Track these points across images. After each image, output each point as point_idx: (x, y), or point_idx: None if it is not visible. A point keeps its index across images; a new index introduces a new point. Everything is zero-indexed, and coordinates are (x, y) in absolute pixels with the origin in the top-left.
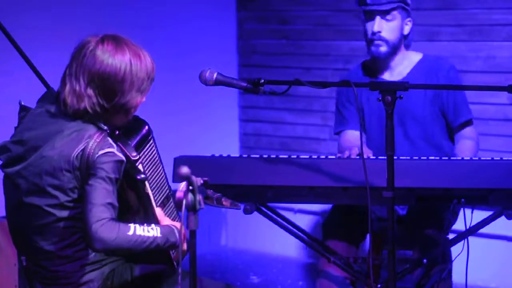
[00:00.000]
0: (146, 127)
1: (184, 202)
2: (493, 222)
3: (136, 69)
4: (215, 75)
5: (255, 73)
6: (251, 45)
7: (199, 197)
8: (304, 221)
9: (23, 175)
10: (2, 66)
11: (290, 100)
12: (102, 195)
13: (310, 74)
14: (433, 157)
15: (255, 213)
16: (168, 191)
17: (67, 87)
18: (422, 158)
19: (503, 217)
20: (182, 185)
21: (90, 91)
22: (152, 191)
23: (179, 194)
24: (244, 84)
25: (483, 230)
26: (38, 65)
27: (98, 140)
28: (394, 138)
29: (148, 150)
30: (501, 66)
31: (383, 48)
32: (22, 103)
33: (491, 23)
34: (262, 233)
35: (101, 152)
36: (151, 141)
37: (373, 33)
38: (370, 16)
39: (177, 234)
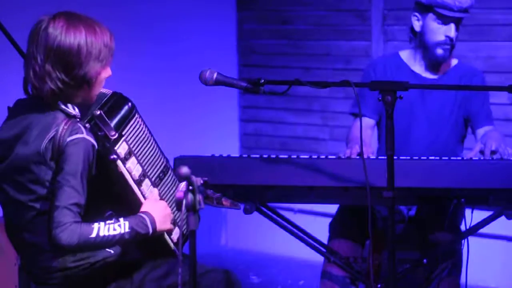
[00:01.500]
0: (129, 104)
1: (184, 202)
2: (493, 222)
3: (91, 40)
4: (215, 75)
5: (255, 73)
6: (251, 45)
7: (199, 197)
8: (304, 221)
9: (4, 175)
10: (2, 66)
11: (290, 100)
12: (67, 195)
13: (310, 74)
14: (433, 157)
15: (255, 213)
16: (163, 164)
17: (30, 71)
18: (422, 158)
19: (503, 217)
20: (182, 185)
21: (48, 67)
22: (143, 166)
23: (179, 194)
24: (244, 84)
25: (483, 230)
26: None
27: (66, 127)
28: (394, 138)
29: (133, 126)
30: (501, 66)
31: (448, 53)
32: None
33: (491, 23)
34: (262, 233)
35: (69, 138)
36: (135, 117)
37: (450, 39)
38: (445, 20)
39: (148, 224)
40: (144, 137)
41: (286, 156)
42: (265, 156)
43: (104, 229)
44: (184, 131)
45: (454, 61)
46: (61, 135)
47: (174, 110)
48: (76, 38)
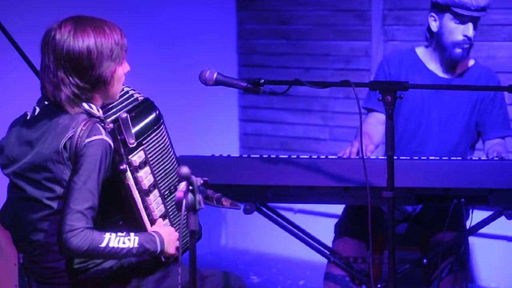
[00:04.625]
0: (155, 113)
1: (184, 202)
2: (493, 222)
3: (101, 41)
4: (215, 75)
5: (255, 73)
6: (251, 45)
7: (199, 197)
8: (304, 221)
9: (20, 173)
10: (2, 66)
11: (290, 100)
12: (82, 198)
13: (310, 74)
14: (433, 157)
15: (255, 213)
16: (177, 178)
17: (45, 81)
18: (422, 158)
19: (503, 217)
20: (182, 185)
21: (61, 74)
22: (156, 177)
23: (179, 194)
24: (244, 84)
25: (483, 230)
26: (38, 65)
27: (84, 128)
28: (394, 138)
29: (156, 136)
30: (501, 66)
31: (466, 53)
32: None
33: (491, 23)
34: (262, 233)
35: (88, 140)
36: (161, 127)
37: (468, 38)
38: (462, 19)
39: (157, 242)
40: (164, 149)
41: (286, 156)
42: (265, 156)
43: (114, 240)
44: (184, 131)
45: (471, 62)
46: (79, 136)
47: (174, 110)
48: (84, 41)
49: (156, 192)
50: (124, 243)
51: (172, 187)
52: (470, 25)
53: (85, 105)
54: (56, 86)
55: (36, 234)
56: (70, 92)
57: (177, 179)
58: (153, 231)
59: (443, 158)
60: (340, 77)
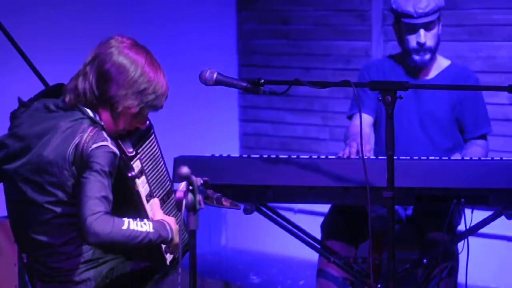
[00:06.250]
0: (147, 123)
1: (184, 202)
2: (493, 222)
3: (141, 72)
4: (215, 75)
5: (255, 73)
6: (251, 45)
7: (199, 197)
8: (304, 221)
9: (21, 173)
10: (2, 66)
11: (290, 100)
12: (96, 187)
13: (310, 74)
14: (433, 157)
15: (255, 213)
16: (169, 187)
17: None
18: (422, 158)
19: (503, 217)
20: (182, 185)
21: (88, 68)
22: (151, 186)
23: (179, 194)
24: (244, 84)
25: (483, 230)
26: (38, 65)
27: (91, 134)
28: (394, 138)
29: (148, 146)
30: (501, 66)
31: (428, 57)
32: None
33: (491, 23)
34: (262, 233)
35: (94, 145)
36: (152, 137)
37: (420, 45)
38: (413, 28)
39: (168, 229)
40: (156, 158)
41: (286, 156)
42: (265, 156)
43: (133, 223)
44: (184, 131)
45: (446, 62)
46: (85, 141)
47: (174, 110)
48: (129, 60)
49: (151, 201)
50: (141, 226)
51: (164, 196)
52: (421, 31)
53: (89, 111)
54: (77, 75)
55: (39, 236)
56: (82, 89)
57: (168, 188)
58: (162, 219)
59: (443, 158)
60: (340, 77)
